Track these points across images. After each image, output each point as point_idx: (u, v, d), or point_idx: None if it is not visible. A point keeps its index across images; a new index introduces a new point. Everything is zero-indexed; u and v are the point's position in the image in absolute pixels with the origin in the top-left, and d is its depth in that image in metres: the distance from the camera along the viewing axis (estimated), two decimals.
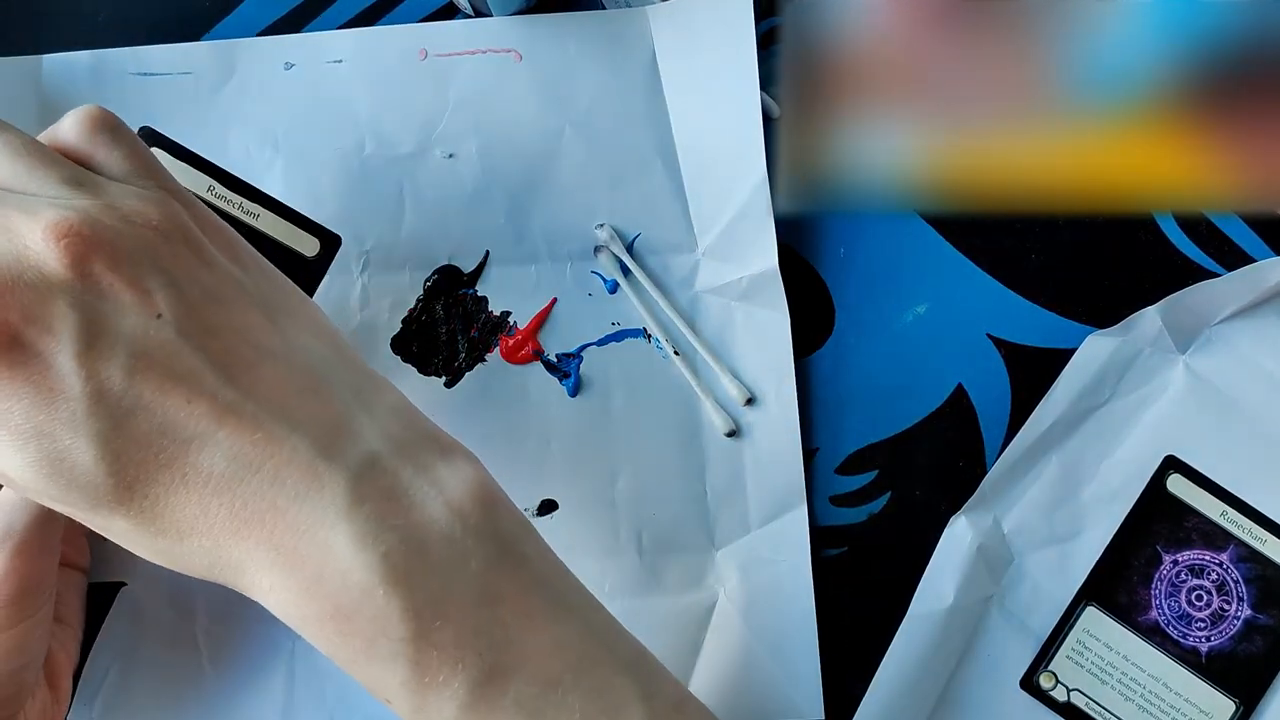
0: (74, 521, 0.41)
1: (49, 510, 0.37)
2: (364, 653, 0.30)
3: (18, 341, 0.28)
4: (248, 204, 0.39)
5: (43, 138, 0.33)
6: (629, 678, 0.32)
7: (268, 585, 0.30)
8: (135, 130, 0.38)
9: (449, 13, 0.47)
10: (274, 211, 0.40)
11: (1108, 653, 0.43)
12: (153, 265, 0.30)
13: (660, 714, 0.32)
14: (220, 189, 0.39)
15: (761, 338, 0.45)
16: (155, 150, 0.39)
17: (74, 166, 0.31)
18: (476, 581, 0.30)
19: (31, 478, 0.29)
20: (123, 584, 0.43)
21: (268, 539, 0.29)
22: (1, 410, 0.28)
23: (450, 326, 0.45)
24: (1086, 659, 0.43)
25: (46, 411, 0.28)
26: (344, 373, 0.32)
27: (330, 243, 0.40)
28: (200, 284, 0.31)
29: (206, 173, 0.39)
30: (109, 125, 0.33)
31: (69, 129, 0.32)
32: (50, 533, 0.37)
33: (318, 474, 0.29)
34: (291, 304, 0.33)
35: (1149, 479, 0.44)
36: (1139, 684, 0.43)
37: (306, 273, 0.40)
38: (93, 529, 0.31)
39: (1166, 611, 0.43)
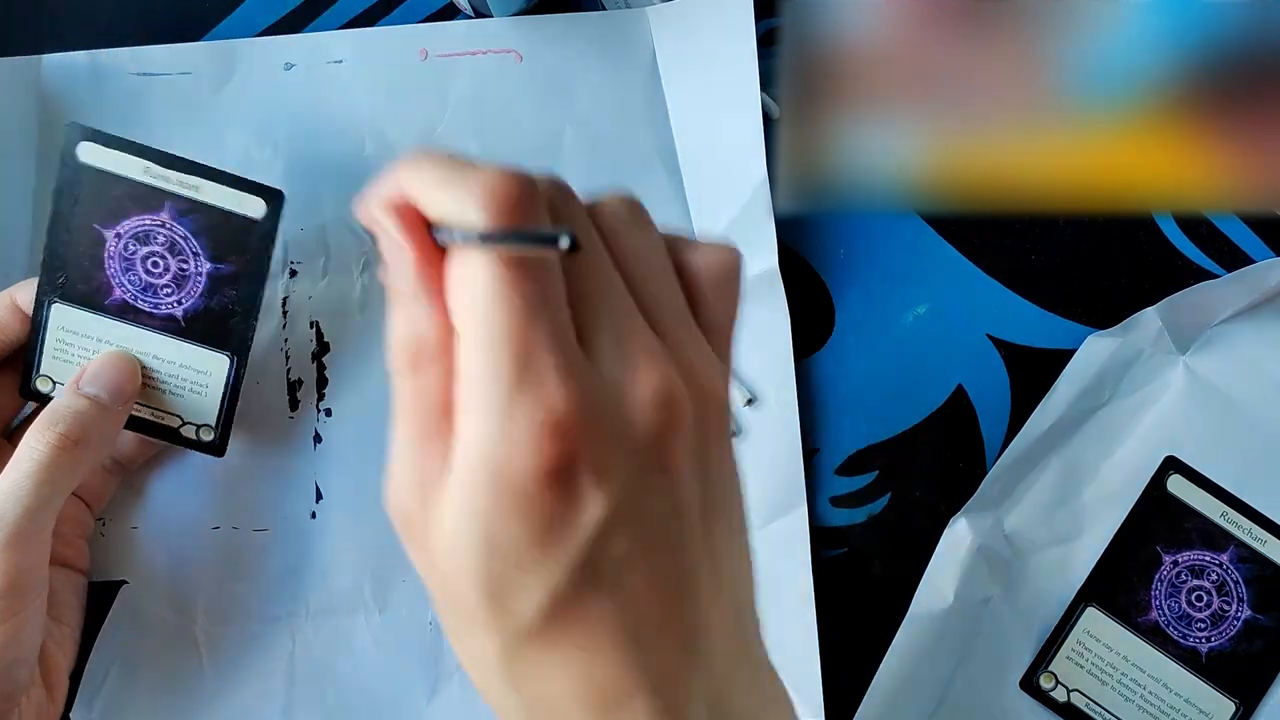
0: (71, 521, 0.41)
1: (40, 505, 0.37)
2: None
3: (566, 473, 0.26)
4: (186, 178, 0.40)
5: (677, 246, 0.31)
6: None
7: None
8: (64, 126, 0.39)
9: (449, 13, 0.47)
10: (213, 180, 0.40)
11: (1108, 653, 0.43)
12: (702, 456, 0.29)
13: None
14: (156, 169, 0.40)
15: (761, 338, 0.45)
16: (85, 145, 0.39)
17: (689, 311, 0.30)
18: None
19: (463, 581, 0.27)
20: (123, 583, 0.43)
21: None
22: (499, 521, 0.26)
23: None
24: (1087, 659, 0.43)
25: (538, 550, 0.26)
26: (752, 619, 0.31)
27: (274, 198, 0.40)
28: (717, 490, 0.29)
29: (139, 155, 0.39)
30: (737, 273, 0.31)
31: (714, 265, 0.30)
32: (41, 529, 0.37)
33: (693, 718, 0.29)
34: (744, 516, 0.32)
35: (1149, 480, 0.44)
36: (1139, 684, 0.43)
37: (261, 235, 0.40)
38: (447, 623, 0.30)
39: (1166, 612, 0.43)
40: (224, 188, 0.40)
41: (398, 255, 0.28)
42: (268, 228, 0.40)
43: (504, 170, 0.27)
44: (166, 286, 0.41)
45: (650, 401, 0.27)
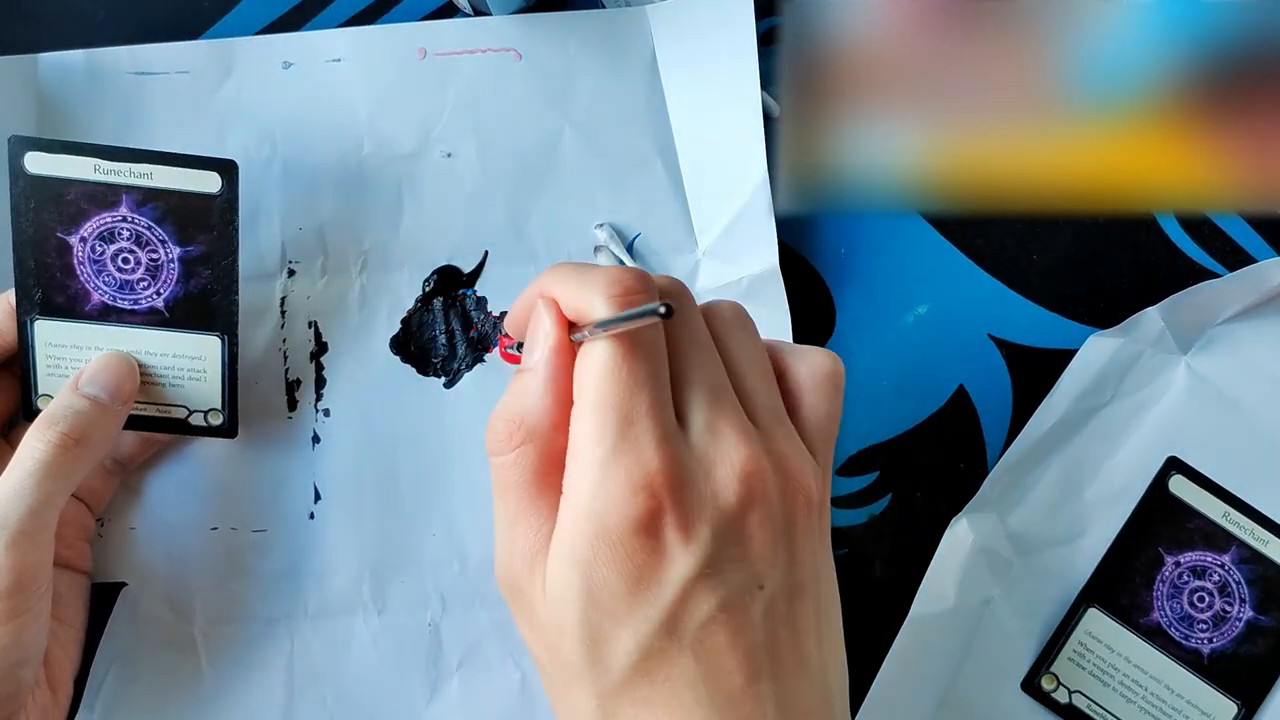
0: (71, 523, 0.41)
1: (43, 504, 0.37)
2: None
3: (655, 527, 0.29)
4: (137, 167, 0.39)
5: (782, 351, 0.35)
6: None
7: None
8: (7, 141, 0.39)
9: (448, 11, 0.47)
10: (164, 164, 0.40)
11: (1109, 654, 0.43)
12: (787, 538, 0.31)
13: None
14: (105, 164, 0.39)
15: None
16: (31, 155, 0.39)
17: (784, 410, 0.33)
18: None
19: (565, 634, 0.30)
20: (123, 585, 0.43)
21: None
22: (597, 571, 0.30)
23: (449, 327, 0.45)
24: (1088, 661, 0.43)
25: (629, 600, 0.30)
26: (835, 700, 0.33)
27: (227, 169, 0.40)
28: (805, 575, 0.32)
29: (86, 154, 0.39)
30: (838, 379, 0.34)
31: (816, 369, 0.34)
32: (44, 528, 0.37)
33: None
34: (835, 614, 0.34)
35: (1151, 480, 0.44)
36: (1141, 686, 0.43)
37: (221, 208, 0.40)
38: (547, 680, 0.33)
39: (1168, 613, 0.43)
40: (176, 169, 0.40)
41: (540, 338, 0.32)
42: (226, 198, 0.40)
43: (626, 268, 0.32)
44: (142, 280, 0.40)
45: (734, 474, 0.30)
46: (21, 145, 0.39)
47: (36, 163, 0.39)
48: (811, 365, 0.34)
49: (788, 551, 0.31)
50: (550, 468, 0.32)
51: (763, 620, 0.30)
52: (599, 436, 0.30)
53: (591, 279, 0.31)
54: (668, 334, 0.32)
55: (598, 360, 0.30)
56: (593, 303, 0.31)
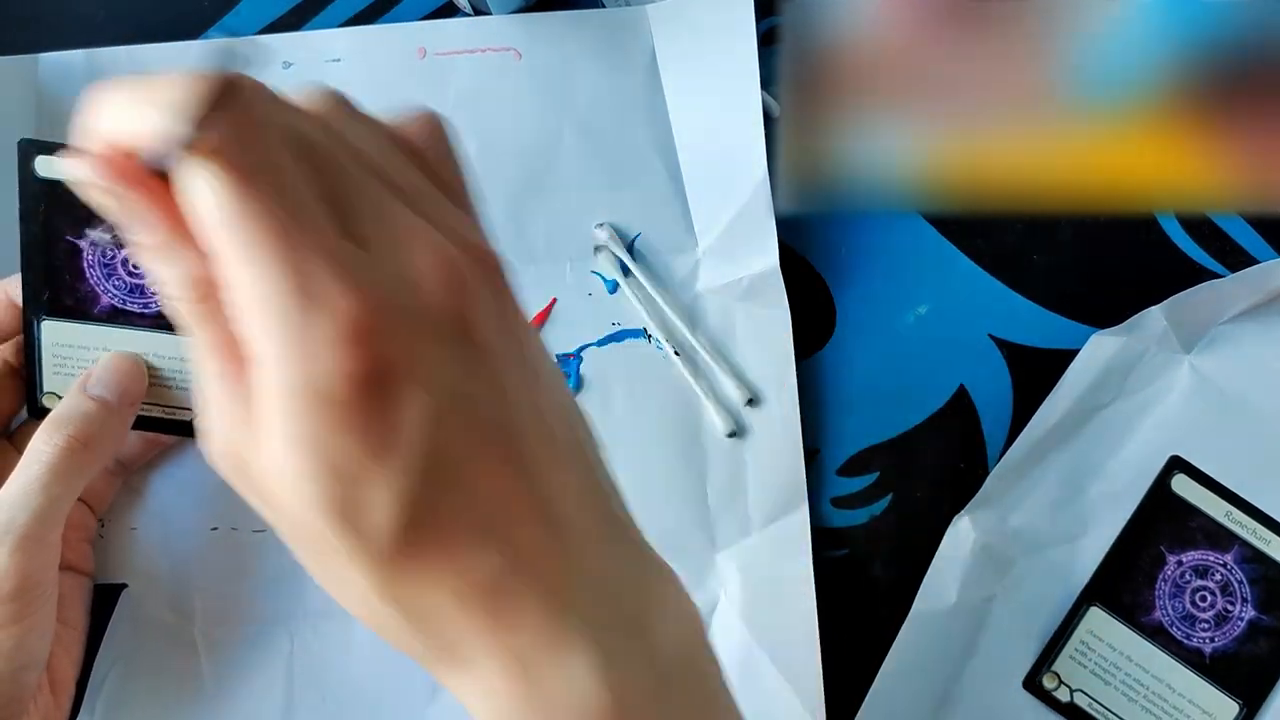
0: (74, 524, 0.41)
1: (50, 507, 0.37)
2: None
3: (376, 373, 0.25)
4: None
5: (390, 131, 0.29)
6: None
7: (488, 686, 0.28)
8: (17, 144, 0.38)
9: (448, 11, 0.47)
10: None
11: (1111, 653, 0.43)
12: (506, 325, 0.28)
13: None
14: None
15: (762, 338, 0.45)
16: (41, 159, 0.38)
17: (423, 178, 0.29)
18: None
19: (310, 513, 0.25)
20: (124, 585, 0.43)
21: (508, 643, 0.27)
22: (327, 441, 0.25)
23: None
24: (1090, 659, 0.43)
25: (374, 460, 0.25)
26: (604, 477, 0.31)
27: None
28: (529, 356, 0.28)
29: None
30: (443, 128, 0.30)
31: (423, 131, 0.29)
32: (50, 530, 0.37)
33: (578, 592, 0.28)
34: (562, 379, 0.31)
35: (1153, 479, 0.44)
36: (1142, 685, 0.43)
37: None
38: (314, 569, 0.28)
39: (1170, 612, 0.43)
40: None
41: (125, 208, 0.26)
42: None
43: (171, 74, 0.25)
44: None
45: (436, 279, 0.26)
46: (32, 149, 0.39)
47: (47, 167, 0.39)
48: (421, 129, 0.29)
49: (510, 334, 0.28)
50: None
51: (513, 423, 0.27)
52: (269, 294, 0.24)
53: (145, 98, 0.24)
54: (277, 144, 0.26)
55: (216, 201, 0.24)
56: (165, 126, 0.24)
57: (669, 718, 0.29)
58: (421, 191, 0.28)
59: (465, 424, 0.26)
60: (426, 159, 0.29)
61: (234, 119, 0.25)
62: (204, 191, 0.24)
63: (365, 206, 0.26)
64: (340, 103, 0.29)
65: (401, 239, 0.26)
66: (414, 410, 0.25)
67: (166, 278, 0.26)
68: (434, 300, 0.26)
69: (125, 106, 0.25)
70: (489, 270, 0.28)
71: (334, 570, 0.27)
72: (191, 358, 0.27)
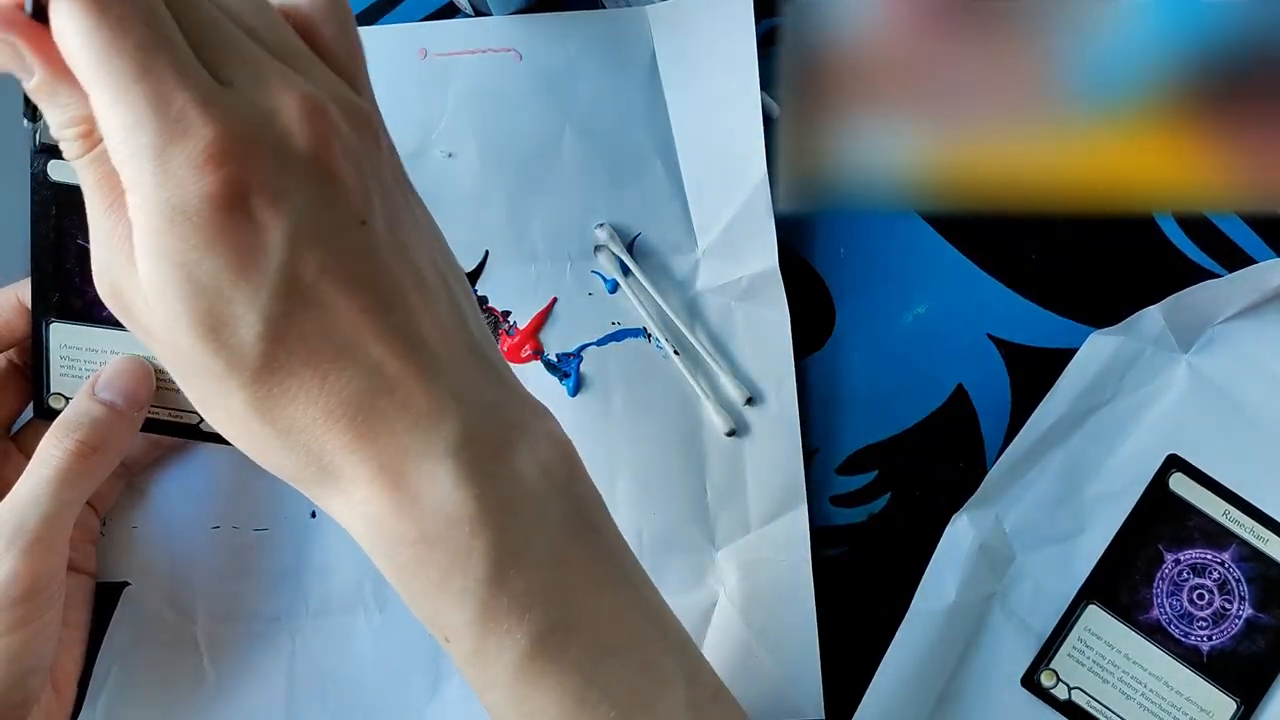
0: (80, 525, 0.41)
1: (59, 511, 0.37)
2: (437, 584, 0.30)
3: (236, 196, 0.27)
4: None
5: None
6: (675, 660, 0.33)
7: (361, 497, 0.30)
8: (30, 151, 0.38)
9: (449, 12, 0.47)
10: None
11: (1109, 651, 0.43)
12: (373, 170, 0.30)
13: (699, 700, 0.33)
14: None
15: (762, 337, 0.45)
16: (54, 163, 0.39)
17: (301, 41, 0.31)
18: (552, 540, 0.31)
19: (180, 331, 0.28)
20: (125, 585, 0.43)
21: (377, 456, 0.29)
22: (192, 259, 0.27)
23: None
24: (1088, 657, 0.43)
25: (236, 277, 0.27)
26: (474, 322, 0.33)
27: None
28: (398, 203, 0.31)
29: None
30: (347, 12, 0.32)
31: (319, 3, 0.31)
32: (59, 535, 0.37)
33: (441, 410, 0.30)
34: (443, 241, 0.34)
35: (1151, 478, 0.44)
36: (1140, 683, 0.43)
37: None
38: (193, 393, 0.30)
39: (1168, 610, 0.43)
40: None
41: (10, 52, 0.28)
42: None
43: None
44: None
45: (299, 115, 0.28)
46: (45, 155, 0.39)
47: (60, 171, 0.39)
48: (314, 5, 0.31)
49: (374, 179, 0.30)
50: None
51: (374, 253, 0.29)
52: (134, 121, 0.26)
53: None
54: None
55: (77, 32, 0.26)
56: None
57: (536, 537, 0.31)
58: (295, 50, 0.30)
59: (324, 249, 0.28)
60: (320, 33, 0.31)
61: None
62: (71, 27, 0.26)
63: (232, 53, 0.28)
64: None
65: (264, 80, 0.28)
66: (273, 232, 0.27)
67: (54, 120, 0.28)
68: (294, 134, 0.28)
69: None
70: (358, 121, 0.30)
71: (210, 392, 0.29)
72: (86, 200, 0.29)
